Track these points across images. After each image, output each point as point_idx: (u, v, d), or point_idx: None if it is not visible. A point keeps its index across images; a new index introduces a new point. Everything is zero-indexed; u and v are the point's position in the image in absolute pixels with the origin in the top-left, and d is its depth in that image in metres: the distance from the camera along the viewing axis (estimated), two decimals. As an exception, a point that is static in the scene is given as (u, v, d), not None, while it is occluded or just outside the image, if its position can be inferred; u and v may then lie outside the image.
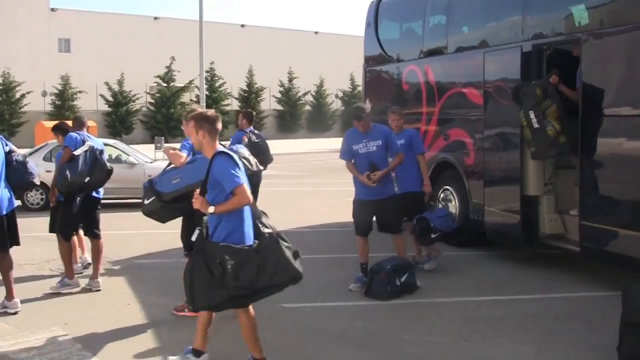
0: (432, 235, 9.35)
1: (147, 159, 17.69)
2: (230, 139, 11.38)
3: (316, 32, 74.80)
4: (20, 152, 8.01)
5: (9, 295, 7.66)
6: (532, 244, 9.55)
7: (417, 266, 9.27)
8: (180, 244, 7.51)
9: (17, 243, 7.81)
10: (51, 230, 9.26)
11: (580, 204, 8.56)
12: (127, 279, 9.33)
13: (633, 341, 5.61)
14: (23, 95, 50.11)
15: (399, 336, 6.81)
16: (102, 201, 9.32)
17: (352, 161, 8.64)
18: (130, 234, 12.56)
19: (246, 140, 10.98)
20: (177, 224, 7.38)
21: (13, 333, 6.97)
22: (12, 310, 7.63)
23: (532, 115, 8.62)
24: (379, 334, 6.89)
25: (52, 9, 59.90)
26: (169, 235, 12.19)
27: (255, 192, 7.44)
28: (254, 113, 12.32)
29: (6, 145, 7.65)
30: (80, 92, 51.65)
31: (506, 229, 9.89)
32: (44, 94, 51.03)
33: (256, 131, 11.53)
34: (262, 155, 10.68)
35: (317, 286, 8.57)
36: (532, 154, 9.03)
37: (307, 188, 20.14)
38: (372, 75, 13.88)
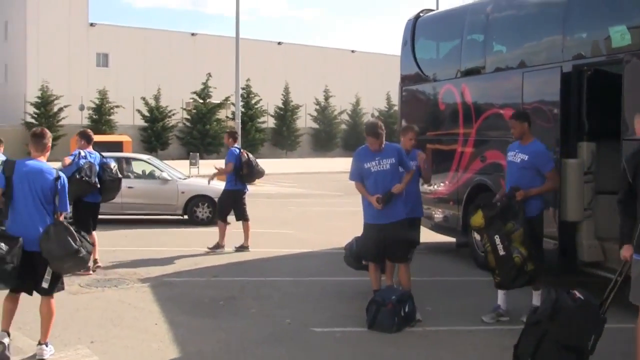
0: (364, 262, 9.05)
1: (181, 175, 17.57)
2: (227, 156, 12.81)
3: (353, 51, 74.94)
4: None
5: None
6: (570, 270, 9.27)
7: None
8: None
9: None
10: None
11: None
12: (156, 297, 9.19)
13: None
14: (61, 109, 50.93)
15: (431, 364, 6.62)
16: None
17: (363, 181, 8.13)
18: (161, 251, 12.45)
19: (245, 156, 12.58)
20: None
21: (38, 351, 6.86)
22: None
23: (497, 240, 7.64)
24: (410, 362, 6.70)
25: (91, 24, 60.71)
26: (199, 253, 12.17)
27: None
28: (238, 132, 13.65)
29: None
30: (117, 106, 52.22)
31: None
32: (82, 107, 51.54)
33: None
34: (258, 167, 12.81)
35: (348, 311, 8.40)
36: (495, 283, 8.09)
37: (342, 208, 19.92)
38: (408, 95, 13.71)
